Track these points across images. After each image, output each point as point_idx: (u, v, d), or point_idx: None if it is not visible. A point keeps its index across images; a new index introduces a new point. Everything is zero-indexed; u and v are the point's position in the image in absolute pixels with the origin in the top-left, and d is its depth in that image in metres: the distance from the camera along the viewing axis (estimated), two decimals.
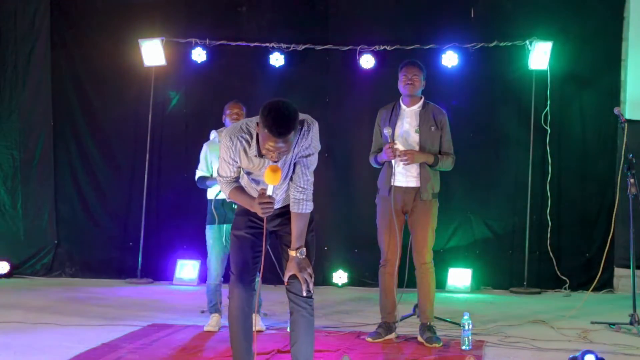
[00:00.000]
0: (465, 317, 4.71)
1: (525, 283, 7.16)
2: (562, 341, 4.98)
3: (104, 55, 7.73)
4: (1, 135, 7.82)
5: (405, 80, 4.94)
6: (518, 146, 7.32)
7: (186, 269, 7.53)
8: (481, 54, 7.25)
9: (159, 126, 7.75)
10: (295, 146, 3.43)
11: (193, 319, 5.62)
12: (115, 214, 7.82)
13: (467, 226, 7.41)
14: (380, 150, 4.99)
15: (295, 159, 3.50)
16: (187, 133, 7.58)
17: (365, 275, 7.38)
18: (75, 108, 7.82)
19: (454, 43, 7.21)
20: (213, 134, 5.45)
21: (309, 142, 3.46)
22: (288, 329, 3.76)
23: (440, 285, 6.74)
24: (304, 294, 3.54)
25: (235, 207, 5.14)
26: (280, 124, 3.20)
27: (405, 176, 4.92)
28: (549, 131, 7.18)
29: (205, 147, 5.41)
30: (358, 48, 7.32)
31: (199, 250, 5.67)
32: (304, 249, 3.55)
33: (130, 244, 7.70)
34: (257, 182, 3.58)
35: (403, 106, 5.01)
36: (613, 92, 7.24)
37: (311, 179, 3.56)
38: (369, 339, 4.94)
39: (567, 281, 7.13)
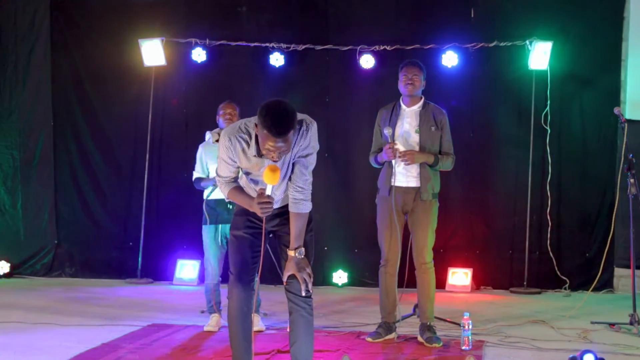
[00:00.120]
0: (465, 317, 4.71)
1: (525, 283, 7.16)
2: (562, 341, 4.98)
3: (104, 55, 7.73)
4: (1, 135, 7.82)
5: (405, 80, 4.94)
6: (518, 146, 7.31)
7: (186, 269, 7.54)
8: (481, 54, 7.25)
9: (159, 126, 7.75)
10: (294, 146, 3.43)
11: (193, 319, 5.62)
12: (115, 214, 7.83)
13: (467, 226, 7.41)
14: (381, 150, 4.99)
15: (294, 159, 3.50)
16: (187, 133, 7.58)
17: (365, 275, 7.38)
18: (75, 108, 7.83)
19: (454, 43, 7.21)
20: (208, 135, 5.46)
21: (308, 142, 3.46)
22: (288, 329, 3.76)
23: (440, 285, 6.74)
24: (303, 294, 3.54)
25: (230, 207, 5.19)
26: (279, 123, 3.20)
27: (405, 176, 4.92)
28: (549, 131, 7.18)
29: (200, 148, 5.43)
30: (358, 48, 7.32)
31: (199, 250, 5.68)
32: (303, 249, 3.55)
33: (130, 244, 7.70)
34: (256, 182, 3.58)
35: (403, 106, 5.01)
36: (613, 92, 7.23)
37: (310, 179, 3.56)
38: (369, 339, 4.94)
39: (567, 281, 7.13)
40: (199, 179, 5.35)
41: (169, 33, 7.54)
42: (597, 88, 7.28)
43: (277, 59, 7.44)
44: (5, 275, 7.65)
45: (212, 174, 5.27)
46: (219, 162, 3.60)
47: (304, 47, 7.43)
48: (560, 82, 7.21)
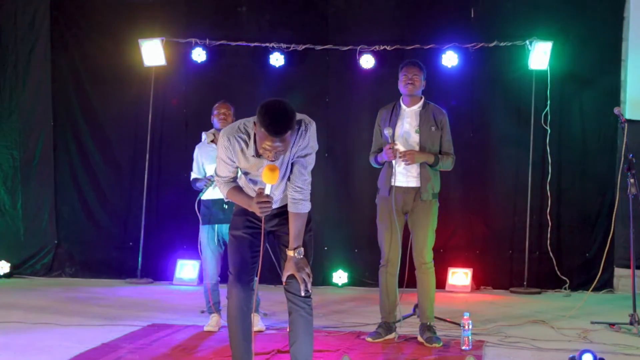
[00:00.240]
0: (465, 317, 4.71)
1: (525, 283, 7.16)
2: (562, 341, 4.98)
3: (104, 55, 7.73)
4: (1, 135, 7.82)
5: (405, 80, 4.94)
6: (518, 146, 7.31)
7: (186, 269, 7.54)
8: (481, 54, 7.25)
9: (159, 126, 7.75)
10: (292, 146, 3.43)
11: (193, 319, 5.62)
12: (115, 214, 7.83)
13: (467, 226, 7.41)
14: (381, 150, 4.99)
15: (292, 159, 3.50)
16: (187, 133, 7.57)
17: (365, 275, 7.38)
18: (75, 108, 7.83)
19: (454, 43, 7.21)
20: (204, 136, 5.47)
21: (307, 142, 3.46)
22: (288, 329, 3.76)
23: (440, 285, 6.74)
24: (302, 294, 3.54)
25: (226, 207, 5.20)
26: (277, 123, 3.20)
27: (405, 176, 4.92)
28: (549, 131, 7.18)
29: (196, 149, 5.45)
30: (358, 48, 7.32)
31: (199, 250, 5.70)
32: (302, 249, 3.55)
33: (130, 244, 7.70)
34: (255, 183, 3.58)
35: (403, 106, 5.01)
36: (613, 92, 7.23)
37: (309, 178, 3.56)
38: (369, 339, 4.93)
39: (567, 281, 7.13)
40: (196, 180, 5.37)
41: (169, 33, 7.54)
42: (597, 88, 7.28)
43: (277, 59, 7.44)
44: (5, 275, 7.64)
45: (209, 175, 5.28)
46: (218, 162, 3.60)
47: (304, 47, 7.43)
48: (560, 82, 7.21)
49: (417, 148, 4.91)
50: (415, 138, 4.93)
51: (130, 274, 7.59)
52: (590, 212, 7.28)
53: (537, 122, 7.20)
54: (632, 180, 5.32)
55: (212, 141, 5.38)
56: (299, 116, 3.41)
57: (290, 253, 3.54)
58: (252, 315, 3.69)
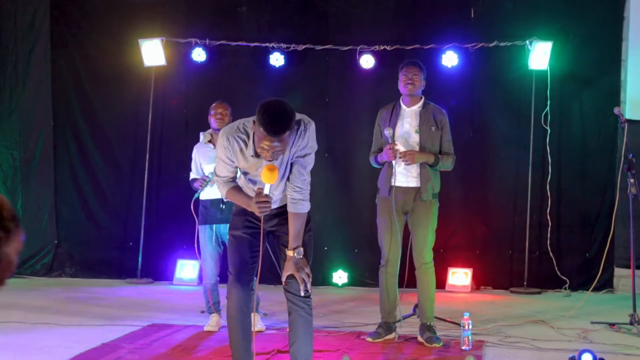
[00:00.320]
0: (465, 317, 4.71)
1: (525, 283, 7.16)
2: (562, 341, 4.98)
3: (104, 55, 7.73)
4: (1, 135, 7.82)
5: (405, 79, 4.94)
6: (518, 146, 7.31)
7: (186, 269, 7.53)
8: (481, 54, 7.25)
9: (159, 126, 7.75)
10: (292, 146, 3.43)
11: (193, 319, 5.62)
12: (115, 214, 7.83)
13: (467, 226, 7.41)
14: (381, 150, 4.99)
15: (292, 159, 3.50)
16: (187, 133, 7.57)
17: (365, 275, 7.38)
18: (75, 108, 7.83)
19: (454, 43, 7.20)
20: (201, 136, 5.48)
21: (306, 142, 3.46)
22: (288, 329, 3.76)
23: (440, 285, 6.73)
24: (302, 294, 3.54)
25: (223, 207, 5.21)
26: (276, 123, 3.20)
27: (405, 176, 4.92)
28: (549, 131, 7.18)
29: (194, 149, 5.47)
30: (358, 48, 7.31)
31: (198, 250, 5.69)
32: (302, 249, 3.55)
33: (130, 244, 7.70)
34: (254, 182, 3.58)
35: (403, 106, 5.01)
36: (613, 92, 7.23)
37: (308, 178, 3.56)
38: (369, 339, 4.93)
39: (567, 281, 7.13)
40: (194, 180, 5.38)
41: (169, 33, 7.54)
42: (597, 88, 7.28)
43: (277, 59, 7.44)
44: None
45: (206, 175, 5.30)
46: (217, 162, 3.60)
47: (304, 47, 7.43)
48: (560, 82, 7.21)
49: (417, 148, 4.91)
50: (415, 138, 4.93)
51: (130, 274, 7.59)
52: (590, 212, 7.28)
53: (537, 122, 7.20)
54: (632, 180, 5.32)
55: (210, 141, 5.39)
56: (298, 116, 3.41)
57: (289, 253, 3.54)
58: (252, 315, 3.69)
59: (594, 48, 7.26)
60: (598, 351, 4.24)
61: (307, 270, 3.54)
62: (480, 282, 7.32)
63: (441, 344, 4.80)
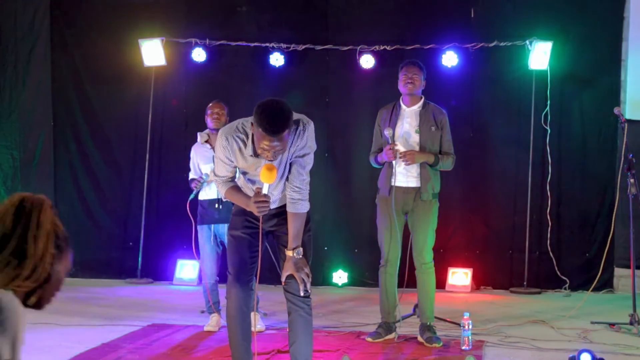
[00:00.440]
0: (465, 317, 4.71)
1: (525, 283, 7.16)
2: (562, 341, 4.98)
3: (104, 55, 7.73)
4: (1, 135, 7.82)
5: (405, 79, 4.94)
6: (518, 146, 7.31)
7: (186, 269, 7.53)
8: (481, 54, 7.25)
9: (159, 126, 7.75)
10: (290, 146, 3.43)
11: (193, 319, 5.62)
12: (115, 214, 7.83)
13: (467, 226, 7.41)
14: (381, 150, 4.99)
15: (291, 159, 3.50)
16: (187, 133, 7.56)
17: (365, 275, 7.38)
18: (75, 108, 7.82)
19: (454, 43, 7.20)
20: (198, 137, 5.49)
21: (305, 141, 3.46)
22: (288, 329, 3.76)
23: (440, 285, 6.73)
24: (302, 294, 3.54)
25: (221, 207, 5.22)
26: (274, 122, 3.20)
27: (405, 176, 4.92)
28: (549, 131, 7.18)
29: (192, 149, 5.48)
30: (358, 48, 7.31)
31: (198, 250, 5.71)
32: (301, 249, 3.55)
33: (130, 244, 7.70)
34: (253, 182, 3.58)
35: (403, 106, 5.01)
36: (613, 92, 7.23)
37: (307, 178, 3.56)
38: (369, 339, 4.93)
39: (567, 281, 7.12)
40: (192, 180, 5.39)
41: (169, 33, 7.54)
42: (597, 88, 7.27)
43: (277, 59, 7.44)
44: None
45: (203, 175, 5.31)
46: (216, 162, 3.60)
47: (304, 47, 7.43)
48: (560, 82, 7.21)
49: (417, 148, 4.91)
50: (415, 138, 4.93)
51: (130, 274, 7.59)
52: (590, 212, 7.27)
53: (537, 122, 7.19)
54: (632, 180, 5.32)
55: (207, 141, 5.40)
56: (296, 116, 3.41)
57: (289, 253, 3.54)
58: (252, 314, 3.69)
59: (594, 48, 7.26)
60: (598, 351, 4.25)
61: (307, 270, 3.54)
62: (480, 282, 7.32)
63: (441, 344, 4.80)
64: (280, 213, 3.64)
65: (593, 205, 7.26)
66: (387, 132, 4.86)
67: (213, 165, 4.94)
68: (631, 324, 5.23)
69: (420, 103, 5.00)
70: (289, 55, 7.45)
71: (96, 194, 7.82)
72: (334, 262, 7.46)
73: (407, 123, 4.96)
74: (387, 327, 4.99)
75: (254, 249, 3.62)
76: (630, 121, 6.13)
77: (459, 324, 4.99)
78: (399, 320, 5.08)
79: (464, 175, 7.21)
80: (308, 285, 3.55)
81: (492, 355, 4.59)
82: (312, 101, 7.32)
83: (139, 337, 4.99)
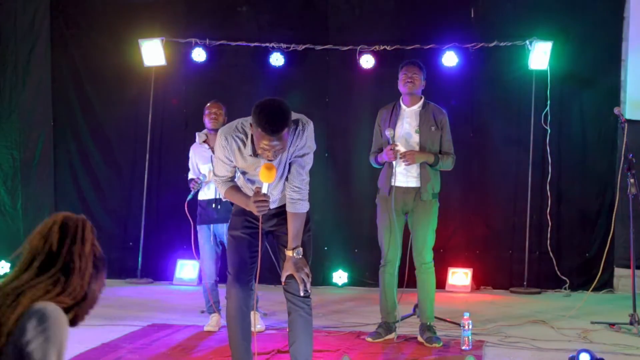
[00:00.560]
0: (465, 317, 4.71)
1: (525, 283, 7.16)
2: (562, 341, 4.97)
3: (104, 55, 7.73)
4: (1, 135, 7.82)
5: (405, 78, 4.94)
6: (518, 146, 7.31)
7: (186, 269, 7.53)
8: (481, 54, 7.25)
9: (159, 126, 7.75)
10: (290, 146, 3.43)
11: (193, 319, 5.62)
12: (115, 214, 7.83)
13: (467, 226, 7.41)
14: (381, 150, 4.99)
15: (290, 159, 3.50)
16: (187, 133, 7.55)
17: (365, 275, 7.38)
18: (75, 108, 7.83)
19: (454, 43, 7.20)
20: (197, 137, 5.49)
21: (304, 141, 3.46)
22: (288, 329, 3.76)
23: (440, 285, 6.73)
24: (302, 294, 3.54)
25: (219, 207, 5.22)
26: (273, 121, 3.20)
27: (405, 176, 4.92)
28: (549, 131, 7.18)
29: (191, 150, 5.49)
30: (358, 48, 7.31)
31: (198, 250, 5.72)
32: (301, 249, 3.54)
33: (130, 244, 7.70)
34: (253, 182, 3.58)
35: (403, 106, 5.01)
36: (613, 92, 7.23)
37: (307, 178, 3.56)
38: (369, 339, 4.93)
39: (567, 281, 7.12)
40: (191, 180, 5.40)
41: (169, 33, 7.54)
42: (597, 88, 7.28)
43: (277, 59, 7.44)
44: (6, 276, 7.64)
45: (202, 175, 5.32)
46: (216, 162, 3.60)
47: (304, 47, 7.43)
48: (560, 82, 7.21)
49: (417, 148, 4.91)
50: (415, 138, 4.93)
51: (130, 274, 7.59)
52: (590, 212, 7.27)
53: (537, 122, 7.19)
54: (632, 180, 5.32)
55: (205, 141, 5.41)
56: (295, 116, 3.41)
57: (289, 253, 3.54)
58: (252, 313, 3.69)
59: (594, 48, 7.26)
60: (598, 351, 4.25)
61: (307, 270, 3.54)
62: (480, 282, 7.32)
63: (441, 344, 4.80)
64: (280, 213, 3.64)
65: (593, 205, 7.26)
66: (388, 133, 4.85)
67: (211, 165, 4.96)
68: (631, 324, 5.23)
69: (420, 103, 5.00)
70: (289, 55, 7.45)
71: (96, 194, 7.82)
72: (334, 262, 7.46)
73: (407, 123, 4.96)
74: (387, 327, 4.99)
75: (254, 249, 3.62)
76: (630, 121, 6.13)
77: (459, 324, 4.99)
78: (399, 320, 5.07)
79: (464, 175, 7.21)
80: (308, 285, 3.55)
81: (492, 355, 4.59)
82: (312, 101, 7.33)
83: (139, 337, 4.99)
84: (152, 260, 7.62)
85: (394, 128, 4.92)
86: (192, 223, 5.33)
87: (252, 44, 7.49)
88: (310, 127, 3.47)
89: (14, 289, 1.90)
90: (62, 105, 7.84)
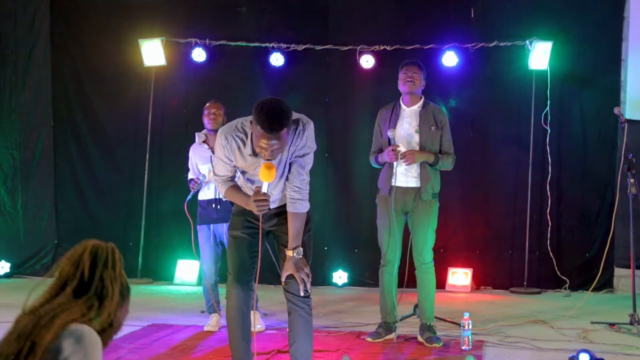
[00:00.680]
0: (465, 317, 4.70)
1: (525, 283, 7.16)
2: (562, 341, 4.97)
3: (104, 55, 7.74)
4: (1, 135, 7.83)
5: (405, 78, 4.94)
6: (518, 146, 7.32)
7: (186, 269, 7.53)
8: (481, 54, 7.25)
9: (159, 126, 7.75)
10: (290, 145, 3.43)
11: (193, 319, 5.62)
12: (115, 214, 7.83)
13: (467, 226, 7.41)
14: (381, 150, 4.99)
15: (290, 159, 3.50)
16: (187, 133, 7.55)
17: (365, 275, 7.38)
18: (75, 108, 7.83)
19: (454, 43, 7.21)
20: (197, 137, 5.49)
21: (304, 141, 3.46)
22: (288, 329, 3.76)
23: (440, 285, 6.73)
24: (302, 294, 3.54)
25: (219, 207, 5.21)
26: (273, 120, 3.20)
27: (405, 176, 4.92)
28: (549, 131, 7.18)
29: (190, 150, 5.49)
30: (358, 48, 7.32)
31: (198, 250, 5.72)
32: (301, 249, 3.54)
33: (130, 244, 7.70)
34: (252, 182, 3.58)
35: (403, 106, 5.01)
36: (613, 92, 7.23)
37: (307, 178, 3.56)
38: (369, 339, 4.93)
39: (567, 281, 7.13)
40: (191, 180, 5.40)
41: (169, 33, 7.55)
42: (597, 88, 7.28)
43: (277, 59, 7.44)
44: (6, 276, 7.64)
45: (202, 176, 5.32)
46: (216, 161, 3.60)
47: (304, 47, 7.43)
48: (560, 82, 7.21)
49: (417, 148, 4.91)
50: (415, 138, 4.93)
51: (130, 274, 7.49)
52: (590, 212, 7.28)
53: (537, 122, 7.20)
54: (632, 180, 5.31)
55: (204, 142, 5.41)
56: (296, 115, 3.41)
57: (289, 253, 3.54)
58: (252, 313, 3.69)
59: (594, 48, 7.27)
60: (598, 351, 4.25)
61: (307, 270, 3.54)
62: (480, 282, 7.32)
63: (441, 344, 4.80)
64: (281, 213, 3.64)
65: (593, 205, 7.26)
66: (391, 133, 4.85)
67: (211, 165, 4.96)
68: (631, 324, 5.23)
69: (420, 103, 5.00)
70: (289, 55, 7.46)
71: (96, 194, 7.83)
72: (334, 262, 7.46)
73: (407, 123, 4.96)
74: (387, 327, 4.99)
75: (254, 249, 3.62)
76: (630, 121, 6.12)
77: (459, 324, 4.99)
78: (399, 320, 5.07)
79: (464, 175, 7.21)
80: (308, 285, 3.55)
81: (492, 355, 4.59)
82: (312, 101, 7.33)
83: (139, 337, 4.99)
84: (152, 260, 7.62)
85: (394, 128, 4.92)
86: (191, 223, 5.33)
87: (252, 44, 7.49)
88: (310, 127, 3.47)
89: (48, 312, 1.96)
90: (62, 105, 7.84)
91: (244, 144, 3.45)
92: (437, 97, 6.85)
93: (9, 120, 7.84)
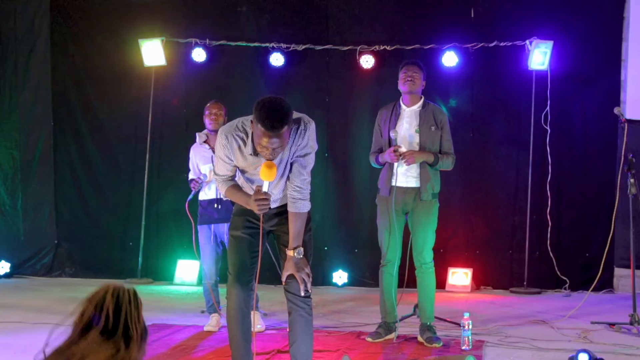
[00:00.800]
0: (465, 317, 4.71)
1: (525, 283, 7.16)
2: (562, 341, 4.97)
3: (104, 55, 7.74)
4: (1, 135, 7.83)
5: (405, 77, 4.94)
6: (518, 146, 7.32)
7: (186, 269, 7.53)
8: (481, 54, 7.25)
9: (159, 126, 7.76)
10: (291, 145, 3.43)
11: (193, 319, 5.62)
12: (115, 214, 7.83)
13: (467, 226, 7.41)
14: (381, 150, 4.99)
15: (292, 158, 3.50)
16: (187, 133, 7.56)
17: (365, 275, 7.38)
18: (75, 108, 7.83)
19: (454, 43, 7.21)
20: (197, 137, 5.50)
21: (306, 141, 3.46)
22: (288, 329, 3.76)
23: (440, 285, 6.73)
24: (302, 294, 3.54)
25: (219, 207, 5.22)
26: (273, 118, 3.20)
27: (405, 176, 4.92)
28: (549, 131, 7.18)
29: (191, 150, 5.50)
30: (358, 48, 7.32)
31: (198, 250, 5.73)
32: (302, 249, 3.54)
33: (130, 244, 7.70)
34: (253, 182, 3.58)
35: (403, 106, 5.01)
36: (613, 92, 7.23)
37: (308, 178, 3.56)
38: (369, 339, 4.93)
39: (567, 281, 7.12)
40: (192, 181, 5.40)
41: (169, 33, 7.55)
42: (597, 88, 7.28)
43: (277, 59, 7.44)
44: (6, 276, 7.64)
45: (202, 176, 5.32)
46: (217, 161, 3.60)
47: (304, 47, 7.43)
48: (560, 82, 7.21)
49: (417, 148, 4.91)
50: (415, 138, 4.93)
51: (130, 274, 7.59)
52: (590, 212, 7.27)
53: (537, 122, 7.20)
54: (632, 180, 5.31)
55: (205, 142, 5.41)
56: (298, 115, 3.41)
57: (289, 253, 3.54)
58: (252, 313, 3.69)
59: (594, 48, 7.26)
60: (598, 351, 4.25)
61: (307, 270, 3.54)
62: (480, 282, 7.32)
63: (441, 344, 4.80)
64: (281, 212, 3.64)
65: (593, 205, 7.26)
66: (393, 134, 4.85)
67: (212, 165, 4.96)
68: (631, 324, 5.23)
69: (420, 103, 5.00)
70: (289, 55, 7.46)
71: (96, 194, 7.83)
72: (334, 262, 7.46)
73: (407, 123, 4.96)
74: (387, 327, 4.99)
75: (255, 249, 3.61)
76: (630, 121, 6.12)
77: (459, 324, 4.99)
78: (399, 320, 5.07)
79: (464, 175, 7.21)
80: (309, 285, 3.55)
81: (492, 355, 4.59)
82: (312, 101, 7.33)
83: None
84: (152, 260, 7.63)
85: (394, 128, 4.92)
86: (192, 223, 5.33)
87: (252, 44, 7.49)
88: (312, 126, 3.47)
89: (75, 352, 1.96)
90: (62, 105, 7.85)
91: (245, 143, 3.45)
92: (437, 97, 6.87)
93: (9, 120, 7.84)
